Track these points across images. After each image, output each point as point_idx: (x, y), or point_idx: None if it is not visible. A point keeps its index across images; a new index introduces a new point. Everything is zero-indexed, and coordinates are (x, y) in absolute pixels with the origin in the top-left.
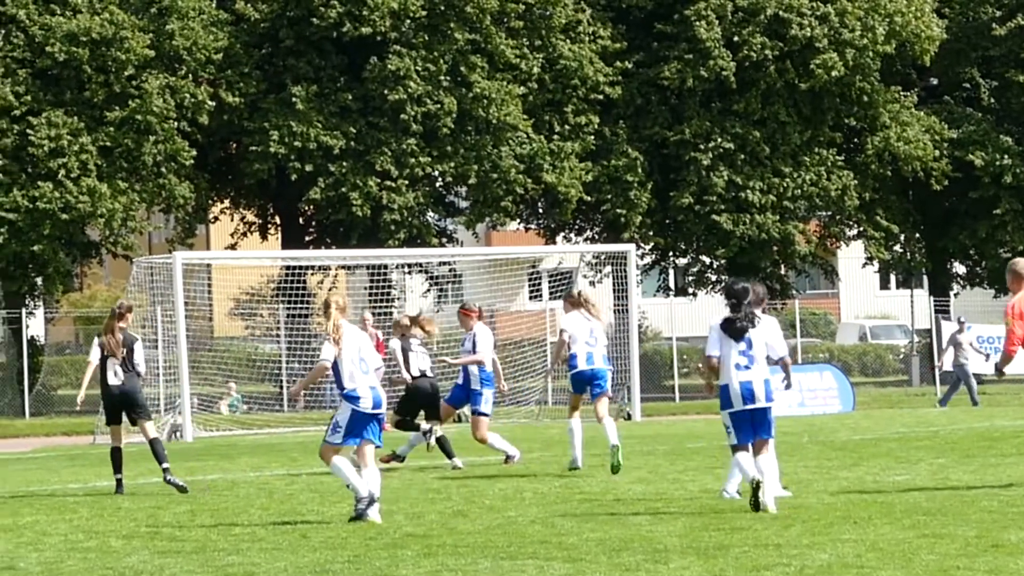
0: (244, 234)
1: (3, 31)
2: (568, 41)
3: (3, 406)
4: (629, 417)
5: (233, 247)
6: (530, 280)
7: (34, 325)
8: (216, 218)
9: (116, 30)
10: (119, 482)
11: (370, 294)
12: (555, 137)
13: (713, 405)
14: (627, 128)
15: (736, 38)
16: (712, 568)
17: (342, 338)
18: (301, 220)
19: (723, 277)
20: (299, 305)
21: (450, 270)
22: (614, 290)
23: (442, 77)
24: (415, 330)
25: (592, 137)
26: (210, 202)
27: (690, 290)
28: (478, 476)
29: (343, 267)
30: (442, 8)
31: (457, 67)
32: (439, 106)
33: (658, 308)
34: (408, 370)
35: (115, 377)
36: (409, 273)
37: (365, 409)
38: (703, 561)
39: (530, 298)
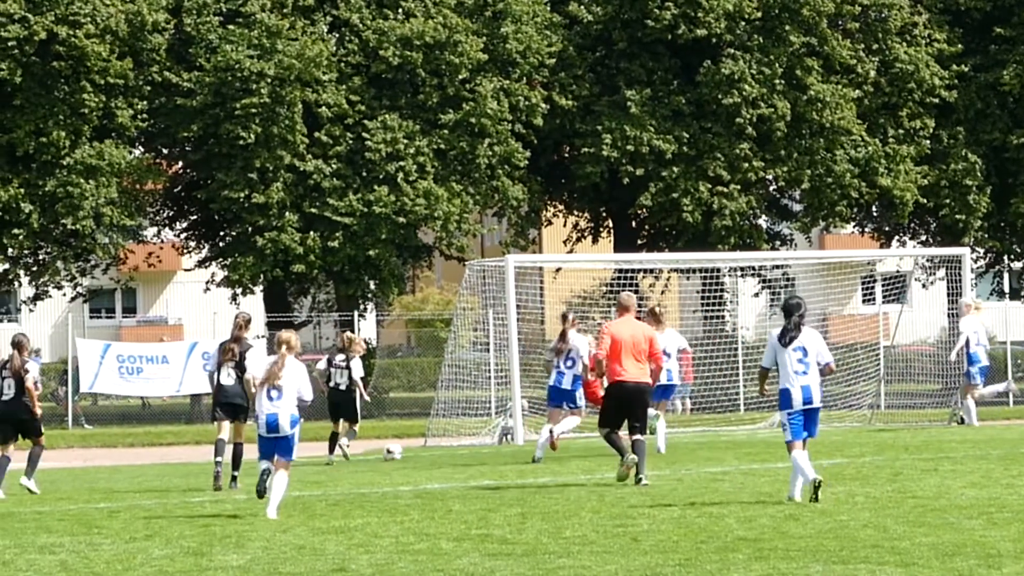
0: (578, 239)
1: (337, 36)
2: (904, 44)
3: None
4: (962, 422)
5: (571, 251)
6: (863, 284)
7: (366, 328)
8: (549, 222)
9: (450, 34)
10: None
11: (702, 298)
12: (890, 140)
13: None
14: (965, 132)
15: None
16: None
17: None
18: (633, 223)
19: None
20: None
21: (783, 274)
22: (948, 293)
23: (776, 80)
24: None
25: (927, 141)
26: (543, 205)
27: (1023, 293)
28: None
29: (675, 270)
30: (777, 10)
31: (792, 70)
32: (772, 110)
33: (992, 312)
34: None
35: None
36: (741, 276)
37: (260, 432)
38: None
39: (863, 302)
